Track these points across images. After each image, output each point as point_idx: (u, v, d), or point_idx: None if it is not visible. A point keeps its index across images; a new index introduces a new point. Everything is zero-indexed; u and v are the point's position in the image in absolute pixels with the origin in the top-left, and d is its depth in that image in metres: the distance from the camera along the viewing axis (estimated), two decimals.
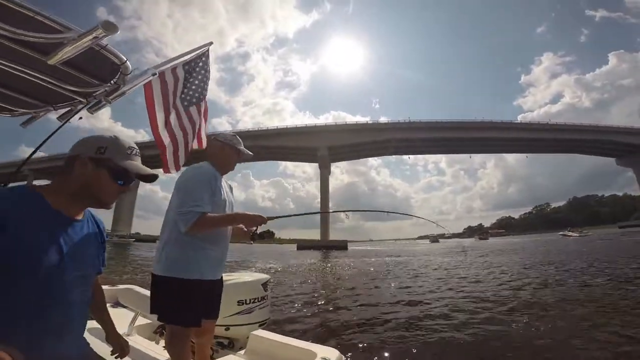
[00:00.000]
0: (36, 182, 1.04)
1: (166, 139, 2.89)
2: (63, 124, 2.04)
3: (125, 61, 1.48)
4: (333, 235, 56.56)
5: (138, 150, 0.98)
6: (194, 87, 3.02)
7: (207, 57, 3.16)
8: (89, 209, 1.00)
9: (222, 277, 1.76)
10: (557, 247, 24.19)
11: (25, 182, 1.13)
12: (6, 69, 1.45)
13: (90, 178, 0.89)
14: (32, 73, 1.49)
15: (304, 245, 44.30)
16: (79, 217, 0.94)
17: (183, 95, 2.95)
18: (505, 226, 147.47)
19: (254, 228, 1.79)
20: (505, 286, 7.88)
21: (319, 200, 58.30)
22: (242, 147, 1.85)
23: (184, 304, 1.50)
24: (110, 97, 1.67)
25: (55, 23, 1.19)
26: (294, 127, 58.29)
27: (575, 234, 51.14)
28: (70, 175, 0.89)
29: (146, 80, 1.85)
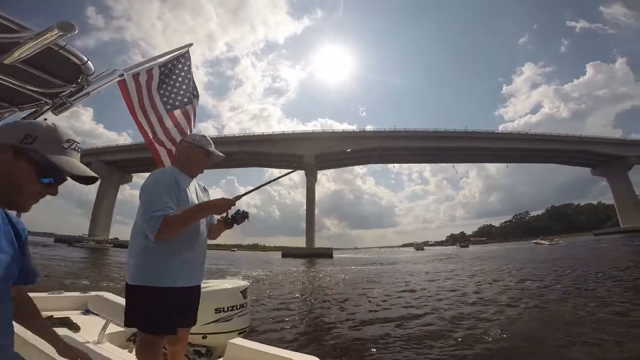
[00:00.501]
0: None
1: (152, 137, 2.83)
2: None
3: (87, 61, 1.45)
4: (319, 243, 56.39)
5: (79, 145, 0.80)
6: (175, 89, 2.94)
7: (188, 58, 3.06)
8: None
9: (199, 283, 1.69)
10: (529, 255, 25.25)
11: None
12: None
13: (6, 171, 0.70)
14: (4, 77, 1.44)
15: (289, 253, 43.93)
16: None
17: (165, 99, 2.88)
18: (487, 234, 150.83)
19: (224, 214, 1.72)
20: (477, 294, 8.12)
21: (304, 208, 58.27)
22: (211, 148, 1.78)
23: (157, 312, 1.45)
24: (73, 98, 1.61)
25: (10, 22, 1.16)
26: (281, 134, 58.26)
27: (546, 243, 53.33)
28: None
29: (112, 81, 1.79)
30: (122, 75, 1.99)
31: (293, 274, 16.48)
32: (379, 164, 71.62)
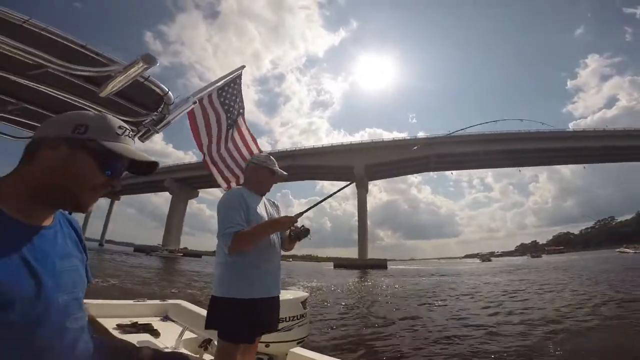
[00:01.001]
0: None
1: (215, 161, 3.06)
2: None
3: (168, 92, 1.56)
4: (372, 254, 55.22)
5: (131, 132, 0.74)
6: (230, 109, 3.16)
7: (240, 79, 3.28)
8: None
9: (278, 294, 1.78)
10: (611, 265, 22.08)
11: None
12: (65, 99, 1.56)
13: (64, 165, 0.63)
14: (87, 104, 1.60)
15: (341, 264, 43.69)
16: (48, 223, 0.69)
17: (229, 121, 3.12)
18: (563, 243, 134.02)
19: (288, 231, 1.80)
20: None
21: (356, 218, 57.69)
22: (276, 168, 1.90)
23: (237, 322, 1.55)
24: (158, 127, 1.75)
25: (101, 57, 1.28)
26: (330, 146, 58.73)
27: (631, 251, 48.12)
28: (32, 165, 0.63)
29: (188, 109, 1.92)
30: (195, 102, 2.16)
31: (347, 284, 16.34)
32: (435, 172, 68.15)
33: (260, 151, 3.34)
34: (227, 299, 1.59)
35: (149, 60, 1.23)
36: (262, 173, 1.88)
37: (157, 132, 1.80)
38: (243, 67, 3.27)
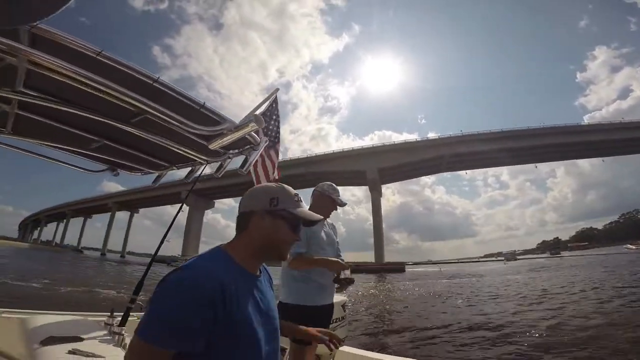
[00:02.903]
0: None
1: (259, 177, 3.33)
2: (194, 185, 2.38)
3: (260, 141, 1.68)
4: (388, 257, 54.82)
5: (300, 196, 0.99)
6: (269, 132, 3.41)
7: (276, 102, 3.51)
8: None
9: (332, 302, 2.05)
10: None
11: (219, 245, 0.94)
12: (148, 138, 1.63)
13: (270, 231, 0.88)
14: (172, 144, 1.69)
15: (357, 269, 43.50)
16: (259, 274, 0.96)
17: (268, 143, 3.36)
18: (587, 238, 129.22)
19: (335, 274, 1.96)
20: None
21: (370, 222, 57.44)
22: (335, 196, 2.15)
23: (310, 326, 1.81)
24: (244, 169, 1.87)
25: (215, 115, 1.40)
26: (341, 152, 58.84)
27: (633, 247, 48.31)
28: (248, 231, 0.89)
29: (262, 148, 1.93)
30: (267, 141, 2.27)
31: (369, 289, 16.48)
32: (448, 172, 67.16)
33: (280, 177, 3.60)
34: (294, 305, 1.90)
35: (259, 121, 1.33)
36: (325, 201, 2.15)
37: (244, 174, 1.95)
38: (277, 89, 3.39)
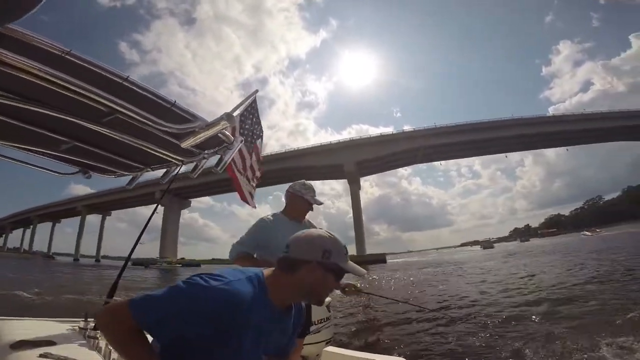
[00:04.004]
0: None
1: (244, 183, 3.24)
2: (169, 185, 2.30)
3: (233, 140, 1.67)
4: (370, 249, 56.05)
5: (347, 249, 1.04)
6: (246, 132, 3.29)
7: (255, 102, 3.41)
8: None
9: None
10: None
11: (262, 271, 1.00)
12: (120, 138, 1.61)
13: (319, 282, 0.93)
14: (145, 144, 1.68)
15: None
16: (290, 311, 1.03)
17: (246, 144, 3.24)
18: (555, 225, 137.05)
19: None
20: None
21: (350, 215, 58.20)
22: (309, 197, 2.06)
23: None
24: (219, 168, 1.88)
25: (186, 113, 1.39)
26: (319, 146, 58.93)
27: (589, 234, 54.47)
28: (295, 275, 0.93)
29: (237, 147, 1.94)
30: (242, 140, 2.23)
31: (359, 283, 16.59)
32: (424, 163, 68.85)
33: (260, 176, 3.53)
34: None
35: (231, 119, 1.35)
36: (297, 201, 2.06)
37: (219, 173, 1.94)
38: (256, 91, 3.38)
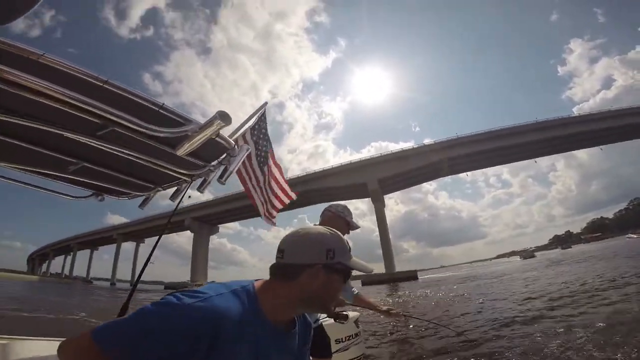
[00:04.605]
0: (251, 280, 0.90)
1: (258, 197, 3.24)
2: (178, 204, 2.09)
3: (234, 145, 1.52)
4: (399, 267, 54.10)
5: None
6: (260, 146, 3.25)
7: (264, 115, 3.33)
8: None
9: (318, 324, 1.93)
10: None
11: (253, 283, 0.85)
12: (127, 157, 1.54)
13: (323, 286, 0.80)
14: (151, 160, 1.57)
15: (369, 281, 42.83)
16: (293, 327, 0.88)
17: (259, 158, 3.22)
18: (599, 228, 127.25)
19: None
20: None
21: (377, 234, 57.03)
22: (350, 219, 2.03)
23: None
24: (223, 179, 1.73)
25: (177, 116, 1.25)
26: (340, 166, 58.69)
27: (634, 236, 50.12)
28: (294, 284, 0.79)
29: (243, 157, 1.82)
30: (248, 149, 2.12)
31: (391, 300, 16.25)
32: (449, 176, 66.95)
33: (293, 195, 3.49)
34: None
35: (225, 118, 1.21)
36: (337, 223, 1.98)
37: (223, 184, 1.76)
38: (266, 103, 3.30)
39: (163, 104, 1.21)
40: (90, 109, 1.08)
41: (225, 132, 1.44)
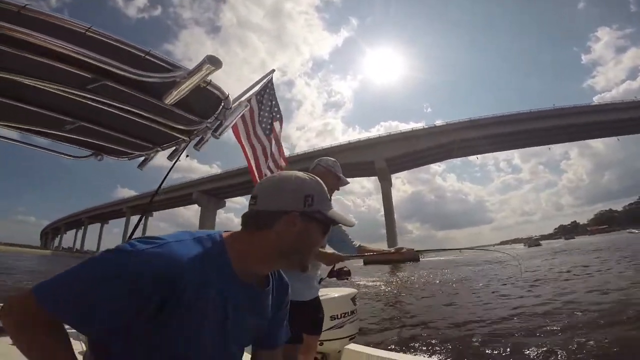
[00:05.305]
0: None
1: (257, 164, 3.10)
2: (174, 164, 2.03)
3: (228, 95, 1.45)
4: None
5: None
6: (266, 113, 3.18)
7: (272, 82, 3.25)
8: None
9: (315, 297, 1.83)
10: None
11: (221, 234, 0.75)
12: (123, 114, 1.51)
13: (300, 236, 0.71)
14: (146, 115, 1.53)
15: (371, 260, 43.29)
16: (267, 286, 0.80)
17: (263, 125, 3.13)
18: (607, 221, 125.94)
19: (332, 265, 1.81)
20: None
21: (382, 213, 57.17)
22: (341, 174, 1.93)
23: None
24: (218, 133, 1.66)
25: (164, 62, 1.20)
26: (348, 143, 58.21)
27: (636, 231, 52.67)
28: (268, 233, 0.71)
29: (242, 112, 1.77)
30: (247, 105, 2.01)
31: (382, 280, 16.40)
32: (459, 158, 65.99)
33: (286, 163, 3.36)
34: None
35: (215, 61, 1.14)
36: (328, 178, 1.87)
37: (217, 138, 1.71)
38: (273, 70, 3.21)
39: (150, 50, 1.16)
40: (78, 57, 1.06)
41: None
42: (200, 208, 69.94)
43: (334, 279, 1.96)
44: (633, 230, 60.76)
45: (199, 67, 1.14)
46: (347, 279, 1.91)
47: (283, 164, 3.38)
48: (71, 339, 0.64)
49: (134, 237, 0.59)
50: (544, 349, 3.94)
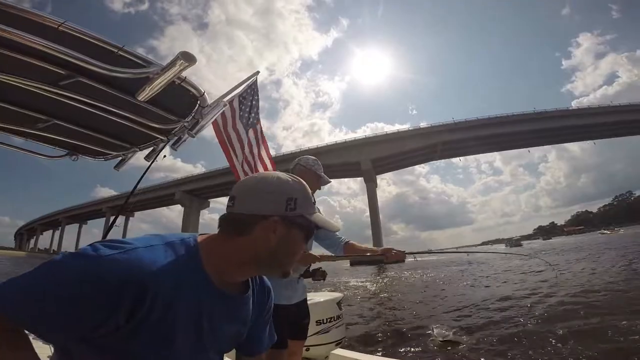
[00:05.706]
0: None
1: (239, 165, 3.05)
2: (151, 164, 2.00)
3: (204, 93, 1.43)
4: None
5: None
6: (246, 114, 3.15)
7: (256, 84, 3.26)
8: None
9: (303, 300, 1.80)
10: None
11: (196, 238, 0.68)
12: (98, 112, 1.49)
13: (280, 243, 0.66)
14: (121, 113, 1.52)
15: (358, 261, 43.37)
16: (246, 292, 0.75)
17: (243, 123, 3.10)
18: (583, 222, 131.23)
19: (307, 265, 1.78)
20: None
21: (367, 214, 57.42)
22: (322, 173, 1.92)
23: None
24: (194, 131, 1.64)
25: (137, 58, 1.19)
26: (334, 144, 58.19)
27: (607, 232, 57.06)
28: (246, 238, 0.65)
29: (219, 112, 1.74)
30: (226, 105, 1.94)
31: (373, 281, 16.31)
32: (442, 160, 67.21)
33: (274, 166, 3.30)
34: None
35: (189, 58, 1.12)
36: (309, 177, 1.86)
37: (194, 137, 1.69)
38: (257, 72, 3.20)
39: (123, 45, 1.16)
40: (51, 52, 1.05)
41: (212, 98, 1.51)
42: (183, 209, 68.43)
43: (310, 279, 1.87)
44: (604, 231, 65.01)
45: (172, 63, 1.14)
46: (323, 280, 1.83)
47: (270, 166, 3.27)
48: (41, 343, 0.60)
49: (106, 238, 0.58)
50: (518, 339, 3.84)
